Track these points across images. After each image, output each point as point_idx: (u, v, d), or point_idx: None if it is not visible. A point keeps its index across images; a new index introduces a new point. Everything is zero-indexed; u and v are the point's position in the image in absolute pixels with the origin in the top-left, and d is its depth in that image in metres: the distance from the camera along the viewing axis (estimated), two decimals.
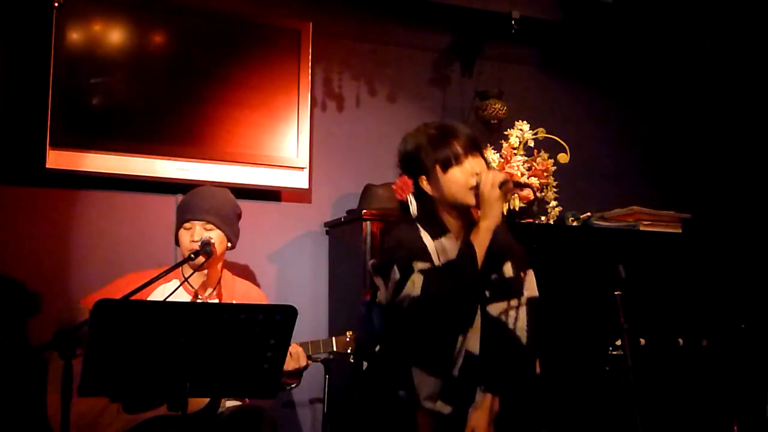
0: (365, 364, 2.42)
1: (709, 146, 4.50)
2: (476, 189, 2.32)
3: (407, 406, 2.30)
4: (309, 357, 2.82)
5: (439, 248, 2.34)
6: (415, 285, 2.24)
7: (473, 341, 2.31)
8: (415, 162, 2.39)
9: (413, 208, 2.40)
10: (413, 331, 2.30)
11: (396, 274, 2.28)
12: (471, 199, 2.35)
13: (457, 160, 2.34)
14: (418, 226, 2.38)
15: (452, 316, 2.28)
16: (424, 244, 2.34)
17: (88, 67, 3.31)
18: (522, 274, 2.40)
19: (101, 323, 1.96)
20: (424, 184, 2.38)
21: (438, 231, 2.37)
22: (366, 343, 2.46)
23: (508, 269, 2.37)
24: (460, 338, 2.31)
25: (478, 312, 2.33)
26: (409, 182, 2.41)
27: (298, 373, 2.78)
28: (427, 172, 2.36)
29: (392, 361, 2.35)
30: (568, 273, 3.37)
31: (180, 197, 3.45)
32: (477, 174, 2.32)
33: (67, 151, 3.24)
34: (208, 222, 2.90)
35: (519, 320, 2.34)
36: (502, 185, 2.27)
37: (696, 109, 4.55)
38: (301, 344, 2.78)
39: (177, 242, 2.96)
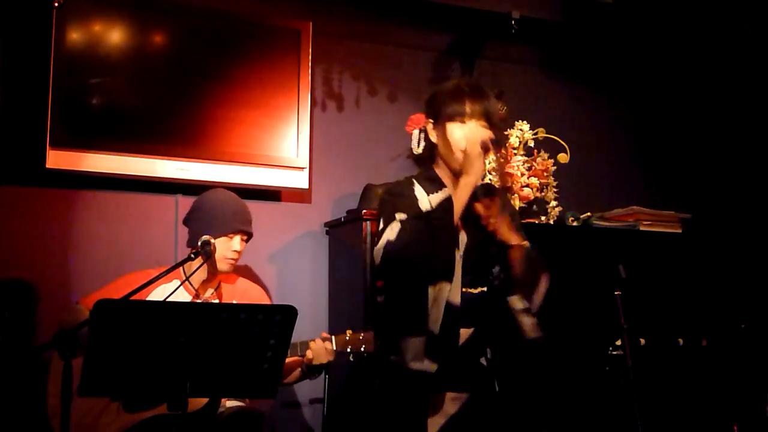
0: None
1: (709, 146, 4.50)
2: (464, 152, 2.38)
3: (416, 379, 2.34)
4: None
5: (434, 201, 2.43)
6: (392, 230, 2.33)
7: (454, 292, 2.35)
8: (432, 104, 2.50)
9: (415, 143, 2.54)
10: (388, 278, 2.42)
11: (380, 224, 2.40)
12: (453, 162, 2.42)
13: (461, 118, 2.40)
14: (414, 181, 2.49)
15: (423, 262, 2.31)
16: (414, 197, 2.43)
17: (88, 67, 3.31)
18: None
19: (101, 323, 1.96)
20: (429, 127, 2.49)
21: (434, 186, 2.46)
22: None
23: None
24: (436, 288, 2.32)
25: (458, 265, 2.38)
26: (422, 119, 2.55)
27: (323, 368, 2.75)
28: (435, 117, 2.47)
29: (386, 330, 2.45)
30: (568, 273, 3.37)
31: (180, 197, 3.46)
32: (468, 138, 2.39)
33: (67, 151, 3.24)
34: (250, 236, 2.95)
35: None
36: (483, 143, 2.36)
37: (696, 109, 4.55)
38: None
39: (191, 244, 2.90)
